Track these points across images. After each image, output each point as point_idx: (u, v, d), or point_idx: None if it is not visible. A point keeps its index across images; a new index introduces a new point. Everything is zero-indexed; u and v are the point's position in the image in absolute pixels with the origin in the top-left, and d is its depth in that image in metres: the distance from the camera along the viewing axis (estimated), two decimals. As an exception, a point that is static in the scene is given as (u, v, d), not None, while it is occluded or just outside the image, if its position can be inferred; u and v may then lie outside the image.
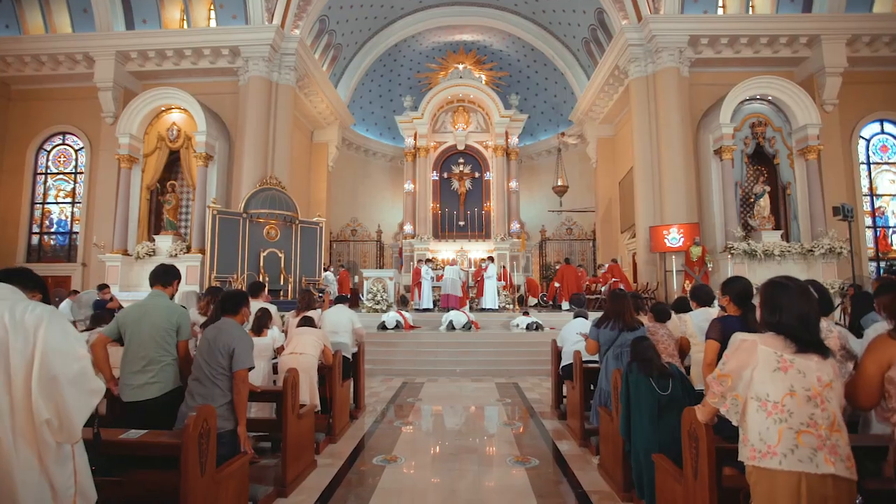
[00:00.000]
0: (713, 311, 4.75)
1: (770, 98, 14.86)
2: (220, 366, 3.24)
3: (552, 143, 22.55)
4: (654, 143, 15.25)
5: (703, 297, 4.91)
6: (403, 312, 12.39)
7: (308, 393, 4.93)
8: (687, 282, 11.30)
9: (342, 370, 6.07)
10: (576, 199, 21.40)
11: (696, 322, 4.77)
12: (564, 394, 6.89)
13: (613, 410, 4.38)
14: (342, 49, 19.34)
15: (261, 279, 14.72)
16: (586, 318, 6.51)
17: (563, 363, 6.34)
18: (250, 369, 3.37)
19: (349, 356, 6.31)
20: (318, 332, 5.48)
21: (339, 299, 7.24)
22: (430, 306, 14.60)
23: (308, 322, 5.65)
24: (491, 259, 15.29)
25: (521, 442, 5.66)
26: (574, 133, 21.02)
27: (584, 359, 5.61)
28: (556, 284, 14.91)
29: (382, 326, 11.71)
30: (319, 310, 6.43)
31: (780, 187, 15.10)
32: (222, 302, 3.55)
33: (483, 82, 21.46)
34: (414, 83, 22.83)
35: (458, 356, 9.92)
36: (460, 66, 21.60)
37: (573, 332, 6.26)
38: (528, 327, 11.52)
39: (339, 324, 6.47)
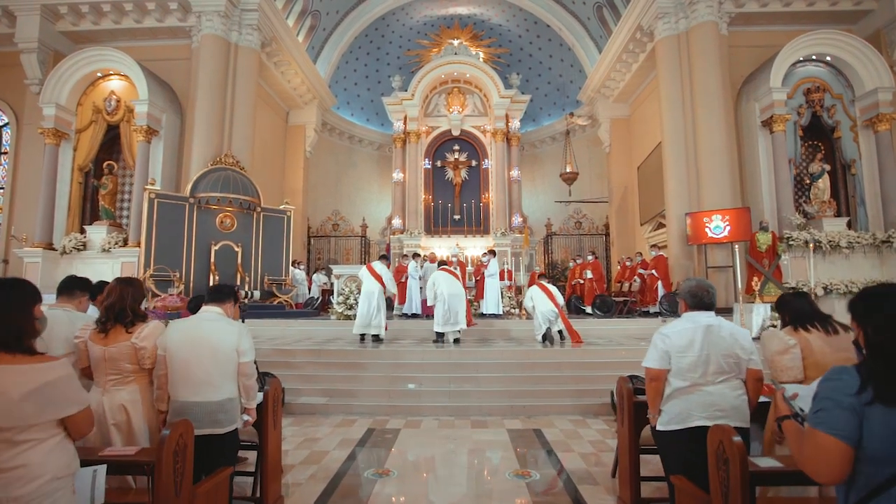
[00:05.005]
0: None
1: (828, 58, 11.66)
2: None
3: (557, 128, 19.31)
4: (689, 114, 12.05)
5: None
6: (382, 274, 8.34)
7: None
8: (755, 279, 8.03)
9: (212, 452, 2.77)
10: (584, 189, 18.14)
11: None
12: (646, 474, 3.61)
13: None
14: (320, 18, 16.05)
15: (211, 278, 11.40)
16: (710, 310, 2.87)
17: (668, 425, 2.80)
18: None
19: (232, 426, 2.93)
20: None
21: (211, 297, 3.08)
22: (419, 311, 11.24)
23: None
24: (492, 253, 11.92)
25: None
26: (584, 114, 17.75)
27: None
28: (589, 274, 11.53)
29: (366, 338, 8.33)
30: (154, 323, 2.98)
31: (840, 166, 11.89)
32: None
33: (480, 60, 18.19)
34: (403, 62, 19.52)
35: (451, 384, 6.59)
36: (455, 42, 18.31)
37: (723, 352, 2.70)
38: (545, 338, 8.20)
39: (202, 360, 2.80)
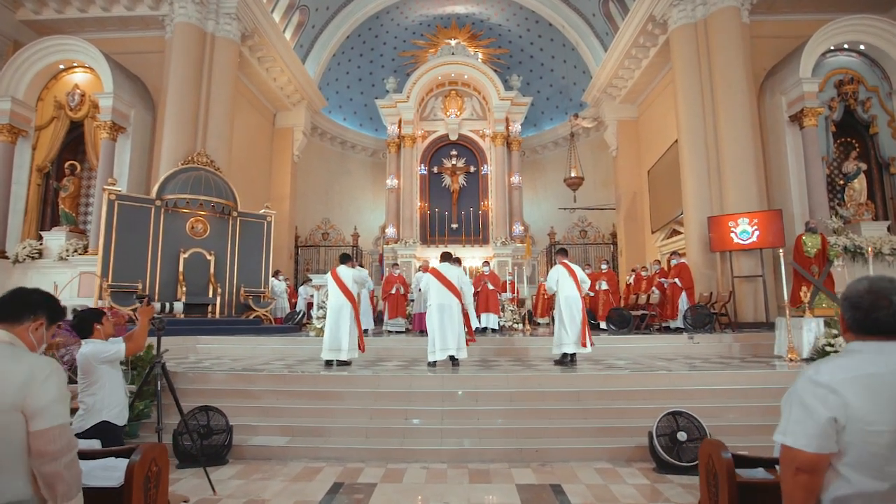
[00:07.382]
0: None
1: (862, 47, 10.47)
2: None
3: (559, 132, 18.10)
4: (708, 108, 10.80)
5: None
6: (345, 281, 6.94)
7: None
8: (803, 288, 6.68)
9: None
10: (590, 196, 16.84)
11: None
12: None
13: None
14: (309, 14, 14.87)
15: (179, 289, 10.01)
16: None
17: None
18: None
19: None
20: None
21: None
22: (370, 326, 10.04)
23: None
24: (487, 264, 10.49)
25: None
26: (589, 115, 16.52)
27: None
28: (604, 285, 10.27)
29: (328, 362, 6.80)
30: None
31: (876, 165, 10.61)
32: None
33: (479, 61, 17.02)
34: (398, 64, 18.36)
35: (444, 420, 5.20)
36: (452, 42, 17.16)
37: None
38: (563, 359, 6.84)
39: None
